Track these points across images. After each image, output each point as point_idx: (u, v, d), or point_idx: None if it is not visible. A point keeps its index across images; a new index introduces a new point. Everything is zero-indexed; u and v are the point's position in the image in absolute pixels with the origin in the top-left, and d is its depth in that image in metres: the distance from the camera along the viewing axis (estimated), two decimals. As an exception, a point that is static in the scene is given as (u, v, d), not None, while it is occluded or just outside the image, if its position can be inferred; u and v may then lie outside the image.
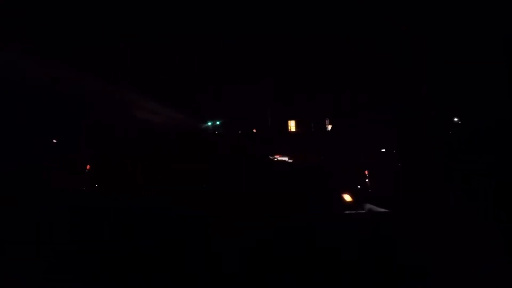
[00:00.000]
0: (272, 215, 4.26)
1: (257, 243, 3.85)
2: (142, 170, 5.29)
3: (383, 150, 7.59)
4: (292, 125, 22.16)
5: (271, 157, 5.82)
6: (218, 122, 16.00)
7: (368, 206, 6.13)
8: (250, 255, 3.64)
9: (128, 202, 4.69)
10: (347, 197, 4.75)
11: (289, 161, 5.95)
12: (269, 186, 4.86)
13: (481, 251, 3.52)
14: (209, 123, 15.87)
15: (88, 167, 5.63)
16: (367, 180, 6.80)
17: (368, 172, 6.83)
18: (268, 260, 3.54)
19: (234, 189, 4.91)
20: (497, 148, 6.47)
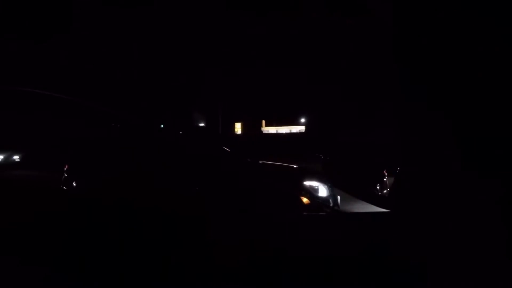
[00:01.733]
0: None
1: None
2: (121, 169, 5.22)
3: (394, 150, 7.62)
4: (238, 127, 22.39)
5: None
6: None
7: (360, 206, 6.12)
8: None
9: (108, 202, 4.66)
10: (305, 200, 4.80)
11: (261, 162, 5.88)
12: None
13: (481, 251, 3.51)
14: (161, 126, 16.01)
15: (66, 166, 5.57)
16: (385, 179, 6.80)
17: (386, 171, 6.83)
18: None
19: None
20: (496, 148, 6.46)
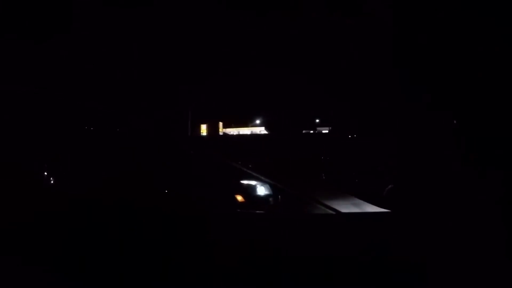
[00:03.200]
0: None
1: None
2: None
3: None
4: (203, 128, 22.72)
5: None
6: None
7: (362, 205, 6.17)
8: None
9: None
10: (240, 198, 5.05)
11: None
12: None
13: (481, 251, 3.52)
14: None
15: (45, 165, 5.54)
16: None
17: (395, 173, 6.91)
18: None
19: None
20: (496, 148, 6.46)
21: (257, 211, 5.07)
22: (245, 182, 5.41)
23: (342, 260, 3.54)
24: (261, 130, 24.98)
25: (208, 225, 4.13)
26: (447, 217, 4.47)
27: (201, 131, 22.48)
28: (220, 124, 23.67)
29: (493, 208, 4.60)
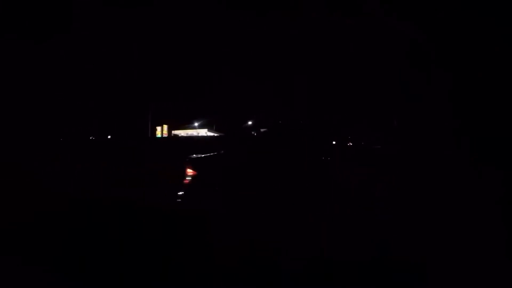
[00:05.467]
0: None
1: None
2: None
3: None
4: (159, 130, 23.34)
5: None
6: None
7: None
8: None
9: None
10: None
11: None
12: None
13: (481, 251, 3.51)
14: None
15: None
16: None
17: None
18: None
19: None
20: (496, 148, 6.45)
21: None
22: None
23: (342, 260, 3.54)
24: (206, 132, 25.42)
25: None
26: (447, 217, 4.47)
27: (157, 133, 23.05)
28: (165, 126, 24.06)
29: (493, 208, 4.59)
